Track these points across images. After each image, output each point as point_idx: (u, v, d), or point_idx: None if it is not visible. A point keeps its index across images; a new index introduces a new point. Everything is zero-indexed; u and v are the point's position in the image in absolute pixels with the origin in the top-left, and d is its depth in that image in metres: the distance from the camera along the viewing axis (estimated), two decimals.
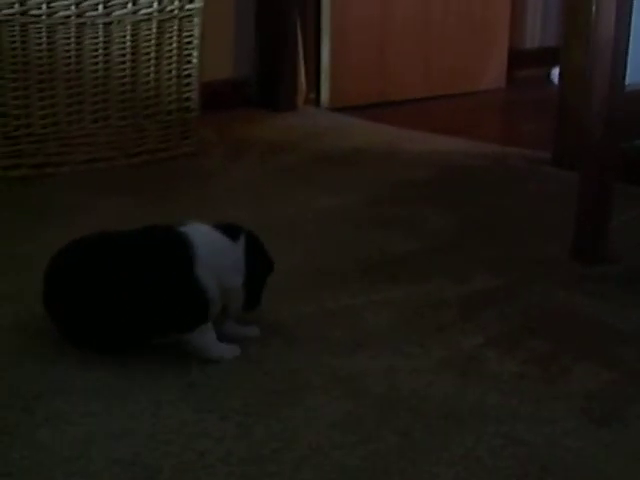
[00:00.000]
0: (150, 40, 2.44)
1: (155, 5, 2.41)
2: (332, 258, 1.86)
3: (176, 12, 2.45)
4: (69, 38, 2.33)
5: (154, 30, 2.43)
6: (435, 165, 2.56)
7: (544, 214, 2.17)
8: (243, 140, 2.76)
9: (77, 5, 2.31)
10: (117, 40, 2.39)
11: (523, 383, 1.39)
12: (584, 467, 1.19)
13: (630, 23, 1.74)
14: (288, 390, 1.35)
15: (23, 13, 2.25)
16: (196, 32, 2.50)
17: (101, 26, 2.36)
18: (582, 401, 1.34)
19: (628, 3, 1.72)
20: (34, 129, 2.33)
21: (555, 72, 3.29)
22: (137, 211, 2.07)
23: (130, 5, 2.38)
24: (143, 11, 2.40)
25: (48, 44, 2.30)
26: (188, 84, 2.53)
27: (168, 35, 2.46)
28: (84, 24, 2.33)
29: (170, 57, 2.48)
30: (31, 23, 2.27)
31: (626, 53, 1.75)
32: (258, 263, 1.47)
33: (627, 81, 1.78)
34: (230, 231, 1.46)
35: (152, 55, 2.45)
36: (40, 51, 2.30)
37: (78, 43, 2.34)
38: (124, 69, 2.42)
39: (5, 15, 2.22)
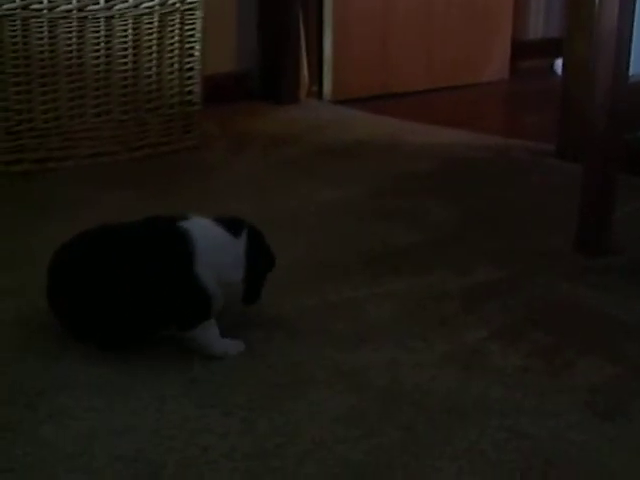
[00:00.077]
0: (152, 34, 2.43)
1: None
2: (335, 251, 1.86)
3: (178, 5, 2.45)
4: (70, 32, 2.32)
5: (156, 23, 2.43)
6: (438, 157, 2.56)
7: (547, 206, 2.17)
8: (245, 133, 2.75)
9: None
10: (119, 34, 2.39)
11: (527, 376, 1.39)
12: (588, 461, 1.18)
13: (633, 14, 1.73)
14: (291, 384, 1.35)
15: (24, 7, 2.24)
16: (198, 25, 2.49)
17: (103, 20, 2.35)
18: (586, 395, 1.33)
19: None
20: (36, 124, 2.33)
21: (558, 63, 3.28)
22: (140, 205, 2.06)
23: None
24: (145, 4, 2.39)
25: (49, 38, 2.30)
26: (190, 77, 2.52)
27: (170, 28, 2.46)
28: (85, 18, 2.33)
29: (172, 50, 2.48)
30: (32, 17, 2.26)
31: (629, 44, 1.74)
32: (259, 259, 1.47)
33: (630, 72, 1.78)
34: (232, 226, 1.45)
35: (154, 49, 2.45)
36: (41, 45, 2.29)
37: (80, 37, 2.34)
38: (126, 63, 2.42)
39: (6, 9, 2.22)
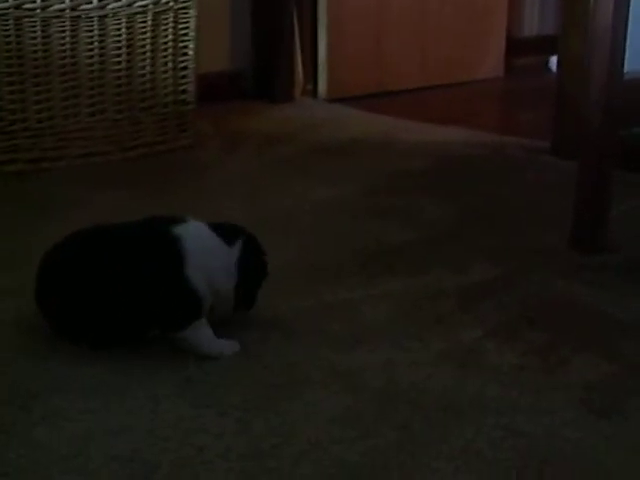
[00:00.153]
0: (145, 32, 2.43)
1: None
2: (329, 250, 1.85)
3: (171, 4, 2.44)
4: (64, 31, 2.32)
5: (149, 22, 2.42)
6: (432, 155, 2.56)
7: (542, 203, 2.16)
8: (240, 132, 2.75)
9: None
10: (112, 33, 2.38)
11: (523, 374, 1.39)
12: (584, 459, 1.18)
13: (628, 10, 1.73)
14: (287, 384, 1.35)
15: (17, 7, 2.24)
16: (192, 24, 2.48)
17: (96, 19, 2.35)
18: (582, 392, 1.33)
19: None
20: (30, 123, 2.32)
21: (553, 60, 3.28)
22: (134, 204, 2.06)
23: None
24: (138, 3, 2.39)
25: (43, 38, 2.29)
26: (184, 76, 2.52)
27: (164, 27, 2.45)
28: (79, 17, 2.32)
29: (166, 49, 2.47)
30: (25, 17, 2.26)
31: (624, 41, 1.74)
32: (251, 269, 1.47)
33: (626, 69, 1.77)
34: (227, 234, 1.46)
35: (148, 48, 2.44)
36: (35, 45, 2.29)
37: (73, 36, 2.33)
38: (120, 62, 2.41)
39: None
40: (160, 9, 2.42)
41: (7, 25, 2.23)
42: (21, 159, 2.32)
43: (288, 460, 1.16)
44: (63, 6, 2.29)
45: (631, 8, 1.73)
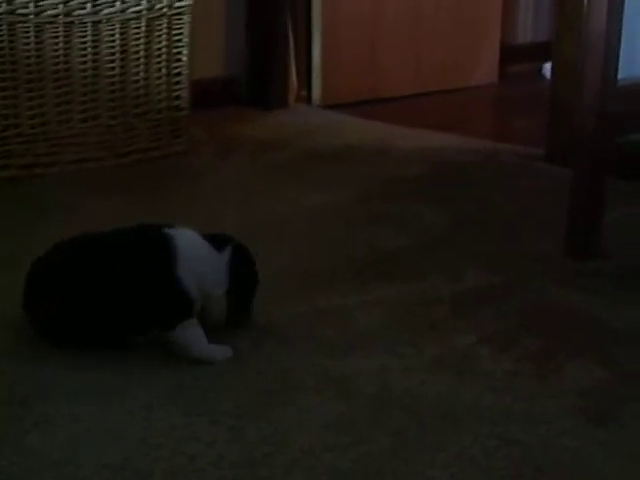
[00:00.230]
0: (139, 39, 2.42)
1: (144, 3, 2.39)
2: (323, 256, 1.85)
3: (165, 10, 2.43)
4: (57, 37, 2.31)
5: (143, 28, 2.42)
6: (427, 161, 2.55)
7: (536, 210, 2.16)
8: (233, 138, 2.74)
9: (65, 4, 2.29)
10: (106, 39, 2.37)
11: (517, 381, 1.38)
12: (579, 467, 1.18)
13: (622, 16, 1.73)
14: (280, 391, 1.34)
15: (10, 12, 2.23)
16: (186, 30, 2.48)
17: (89, 25, 2.34)
18: (576, 399, 1.33)
19: None
20: (23, 129, 2.31)
21: (547, 67, 3.28)
22: (128, 210, 2.05)
23: (118, 3, 2.36)
24: (132, 9, 2.38)
25: (36, 43, 2.28)
26: (178, 82, 2.51)
27: (157, 33, 2.44)
28: (72, 23, 2.32)
29: (160, 55, 2.47)
30: (19, 22, 2.25)
31: (618, 46, 1.74)
32: (242, 275, 1.48)
33: (620, 76, 1.77)
34: (217, 241, 1.48)
35: (141, 54, 2.44)
36: (28, 50, 2.28)
37: (66, 42, 2.32)
38: (113, 68, 2.40)
39: None
40: (154, 15, 2.42)
41: (0, 30, 2.22)
42: (14, 165, 2.31)
43: (280, 468, 1.15)
44: (57, 12, 2.28)
45: (625, 13, 1.73)
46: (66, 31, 2.31)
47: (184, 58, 2.50)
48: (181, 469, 1.15)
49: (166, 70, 2.48)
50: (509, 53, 3.77)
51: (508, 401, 1.32)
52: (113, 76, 2.41)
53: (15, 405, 1.28)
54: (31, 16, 2.25)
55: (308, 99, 3.25)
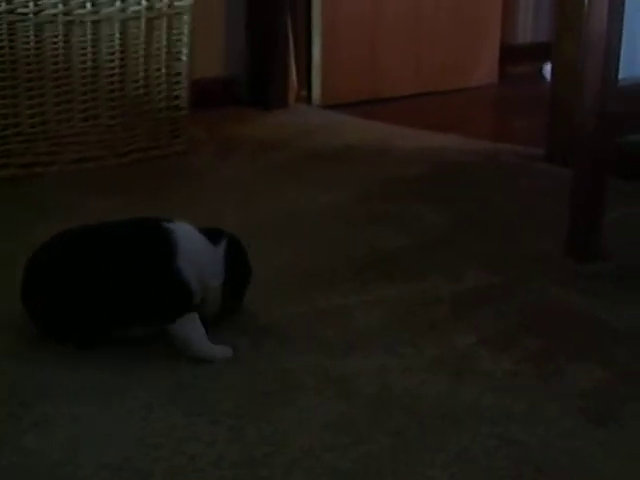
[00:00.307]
0: (139, 38, 2.42)
1: (144, 3, 2.39)
2: (324, 256, 1.85)
3: (165, 9, 2.43)
4: (57, 36, 2.31)
5: (143, 28, 2.41)
6: (427, 162, 2.55)
7: (536, 210, 2.16)
8: (233, 138, 2.74)
9: (64, 3, 2.29)
10: (105, 38, 2.37)
11: (517, 381, 1.38)
12: (579, 467, 1.17)
13: (623, 16, 1.73)
14: (280, 391, 1.34)
15: (10, 11, 2.23)
16: (185, 30, 2.48)
17: (89, 24, 2.34)
18: (576, 399, 1.32)
19: None
20: (22, 128, 2.31)
21: (547, 68, 3.27)
22: (127, 210, 2.04)
23: (118, 3, 2.36)
24: (132, 9, 2.38)
25: (36, 42, 2.28)
26: (178, 82, 2.51)
27: (157, 33, 2.44)
28: (72, 22, 2.31)
29: (159, 55, 2.46)
30: (18, 21, 2.25)
31: (619, 46, 1.74)
32: (237, 267, 1.50)
33: (621, 76, 1.77)
34: (212, 235, 1.50)
35: (141, 53, 2.43)
36: (28, 50, 2.28)
37: (66, 41, 2.32)
38: (113, 67, 2.40)
39: None
40: (154, 15, 2.42)
41: (0, 30, 2.22)
42: (14, 164, 2.31)
43: (280, 468, 1.15)
44: (56, 11, 2.28)
45: (625, 13, 1.72)
46: (66, 30, 2.31)
47: (184, 58, 2.49)
48: (181, 469, 1.15)
49: (166, 70, 2.48)
50: (509, 53, 3.77)
51: (508, 401, 1.32)
52: (113, 75, 2.41)
53: (14, 405, 1.28)
54: (31, 15, 2.25)
55: (308, 99, 3.25)
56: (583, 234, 1.84)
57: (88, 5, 2.31)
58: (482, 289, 1.71)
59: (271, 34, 3.11)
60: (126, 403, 1.29)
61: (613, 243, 1.88)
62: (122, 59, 2.41)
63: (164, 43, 2.46)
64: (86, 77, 2.37)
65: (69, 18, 2.30)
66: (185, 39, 2.48)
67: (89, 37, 2.34)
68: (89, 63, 2.36)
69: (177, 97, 2.51)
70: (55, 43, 2.30)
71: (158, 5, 2.41)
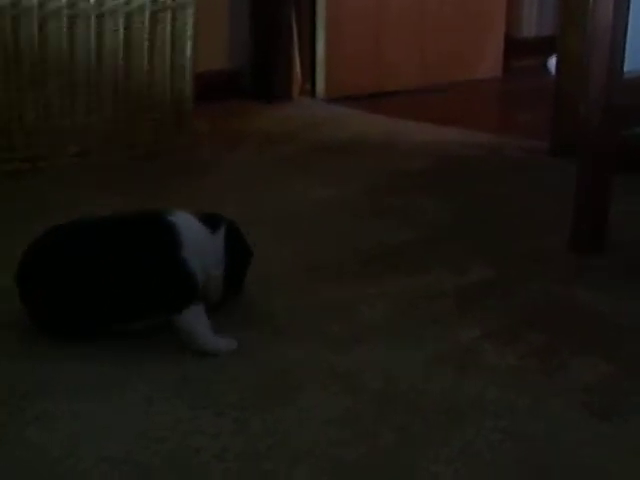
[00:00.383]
0: (143, 31, 2.41)
1: None
2: (329, 249, 1.84)
3: (169, 3, 2.43)
4: (61, 30, 2.30)
5: (147, 21, 2.41)
6: (432, 155, 2.55)
7: (541, 204, 2.15)
8: (238, 131, 2.74)
9: None
10: (109, 32, 2.37)
11: (521, 376, 1.38)
12: (583, 461, 1.17)
13: (628, 9, 1.72)
14: (285, 384, 1.33)
15: (14, 5, 2.22)
16: (190, 23, 2.47)
17: (93, 18, 2.33)
18: (580, 394, 1.32)
19: None
20: (26, 122, 2.31)
21: (552, 61, 3.27)
22: (131, 203, 2.04)
23: None
24: (136, 2, 2.37)
25: (40, 36, 2.28)
26: (182, 75, 2.50)
27: (161, 26, 2.44)
28: (76, 15, 2.31)
29: (163, 48, 2.46)
30: (22, 15, 2.24)
31: (624, 39, 1.73)
32: (237, 253, 1.52)
33: (626, 68, 1.76)
34: (210, 222, 1.51)
35: (145, 46, 2.43)
36: (32, 43, 2.27)
37: (70, 35, 2.32)
38: (117, 61, 2.40)
39: None
40: (158, 8, 2.41)
41: (4, 23, 2.21)
42: (17, 158, 2.30)
43: (285, 462, 1.15)
44: (60, 4, 2.28)
45: (631, 6, 1.72)
46: (70, 24, 2.31)
47: (188, 51, 2.49)
48: (186, 462, 1.15)
49: (170, 63, 2.47)
50: (514, 47, 3.76)
51: (512, 395, 1.31)
52: (116, 69, 2.40)
53: (15, 400, 1.28)
54: (35, 9, 2.25)
55: (312, 92, 3.25)
56: (588, 228, 1.84)
57: None
58: (486, 283, 1.70)
59: (275, 25, 3.11)
60: (129, 396, 1.29)
61: (618, 237, 1.88)
62: (126, 52, 2.40)
63: (168, 36, 2.45)
64: (90, 71, 2.36)
65: (73, 12, 2.30)
66: (189, 32, 2.47)
67: (93, 31, 2.34)
68: (93, 57, 2.36)
69: (181, 90, 2.51)
70: (59, 37, 2.30)
71: None
